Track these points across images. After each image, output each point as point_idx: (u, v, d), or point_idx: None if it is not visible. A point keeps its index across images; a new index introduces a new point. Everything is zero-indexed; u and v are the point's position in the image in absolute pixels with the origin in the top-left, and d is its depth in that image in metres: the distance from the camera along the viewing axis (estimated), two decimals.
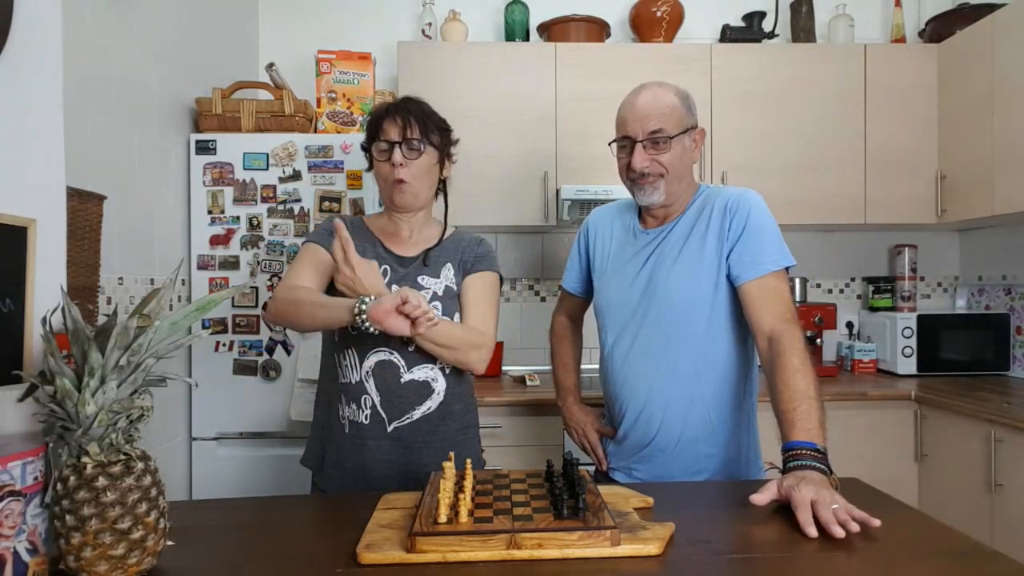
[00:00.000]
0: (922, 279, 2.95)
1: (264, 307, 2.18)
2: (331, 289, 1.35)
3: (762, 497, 0.96)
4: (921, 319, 2.63)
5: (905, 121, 2.58)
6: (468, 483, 0.95)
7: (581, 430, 1.54)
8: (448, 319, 1.35)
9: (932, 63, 2.58)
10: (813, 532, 0.88)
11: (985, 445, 2.00)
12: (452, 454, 1.08)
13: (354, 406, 1.33)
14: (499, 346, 2.66)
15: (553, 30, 2.64)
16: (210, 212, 2.19)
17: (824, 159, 2.56)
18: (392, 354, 1.33)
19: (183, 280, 2.18)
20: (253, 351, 2.19)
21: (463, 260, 1.42)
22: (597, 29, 2.66)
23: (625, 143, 1.34)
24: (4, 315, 0.83)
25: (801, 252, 2.84)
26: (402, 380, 1.33)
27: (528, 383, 2.44)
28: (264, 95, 2.37)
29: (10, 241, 0.85)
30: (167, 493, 0.82)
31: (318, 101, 2.35)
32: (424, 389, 1.34)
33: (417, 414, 1.34)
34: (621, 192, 1.43)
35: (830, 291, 2.98)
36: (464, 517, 0.86)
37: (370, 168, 1.42)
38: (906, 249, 2.83)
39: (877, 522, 0.88)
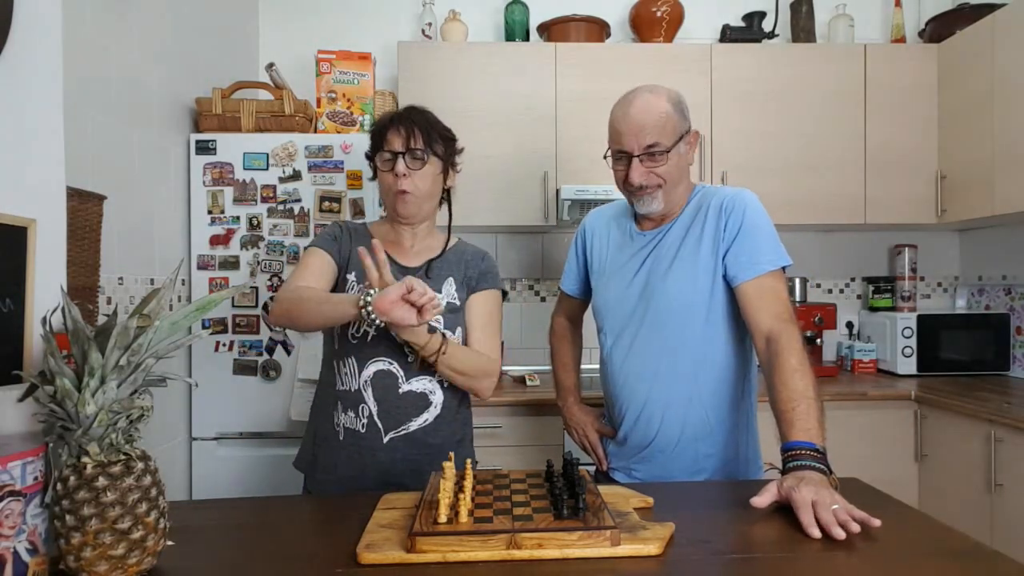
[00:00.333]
0: (922, 279, 2.95)
1: (265, 307, 2.19)
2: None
3: (762, 500, 0.96)
4: (921, 319, 2.63)
5: (905, 121, 2.58)
6: (468, 483, 0.95)
7: (581, 430, 1.54)
8: (453, 334, 1.35)
9: (932, 63, 2.58)
10: (816, 533, 0.88)
11: (985, 445, 2.00)
12: (452, 454, 1.08)
13: (351, 414, 1.33)
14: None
15: (553, 30, 2.64)
16: (210, 212, 2.19)
17: (824, 159, 2.56)
18: (391, 364, 1.32)
19: (183, 280, 2.18)
20: (253, 351, 2.19)
21: (467, 276, 1.41)
22: (597, 29, 2.66)
23: (621, 156, 1.33)
24: (4, 315, 0.83)
25: (801, 252, 2.85)
26: (400, 391, 1.32)
27: (528, 383, 2.44)
28: (264, 95, 2.37)
29: (10, 241, 0.85)
30: (167, 493, 0.82)
31: (318, 101, 2.35)
32: (422, 401, 1.34)
33: (414, 425, 1.33)
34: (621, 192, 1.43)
35: (830, 291, 2.98)
36: (464, 517, 0.86)
37: (374, 177, 1.41)
38: (906, 249, 2.83)
39: (877, 522, 0.88)
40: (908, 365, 2.63)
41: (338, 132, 2.31)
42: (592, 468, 1.43)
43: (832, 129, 2.56)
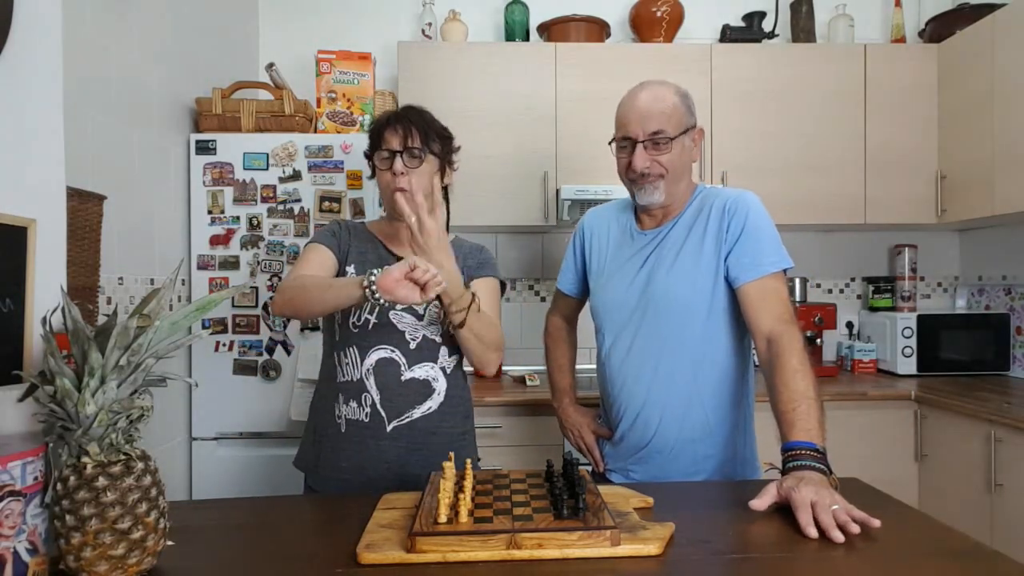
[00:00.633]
0: (922, 279, 2.95)
1: (265, 307, 2.19)
2: None
3: (761, 502, 0.96)
4: (921, 319, 2.63)
5: (905, 121, 2.58)
6: (468, 483, 0.95)
7: (577, 431, 1.53)
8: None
9: (932, 63, 2.58)
10: (814, 533, 0.88)
11: (985, 445, 2.00)
12: (452, 454, 1.09)
13: (353, 404, 1.33)
14: None
15: (553, 30, 2.64)
16: (210, 212, 2.19)
17: (824, 159, 2.56)
18: (394, 352, 1.33)
19: (183, 280, 2.18)
20: (253, 351, 2.19)
21: (466, 265, 1.42)
22: (597, 29, 2.66)
23: (625, 143, 1.34)
24: (4, 315, 0.83)
25: (801, 252, 2.85)
26: (403, 378, 1.33)
27: (528, 383, 2.44)
28: (264, 95, 2.37)
29: (10, 241, 0.85)
30: (167, 493, 0.82)
31: (318, 101, 2.35)
32: (425, 388, 1.35)
33: (417, 413, 1.34)
34: (621, 192, 1.43)
35: (830, 291, 2.98)
36: (464, 517, 0.86)
37: (372, 176, 1.42)
38: (906, 249, 2.83)
39: (877, 522, 0.88)
40: (908, 365, 2.63)
41: (338, 132, 2.31)
42: (589, 469, 1.43)
43: (832, 129, 2.56)
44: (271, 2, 2.85)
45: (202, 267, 2.19)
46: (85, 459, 0.75)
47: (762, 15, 2.73)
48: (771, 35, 2.71)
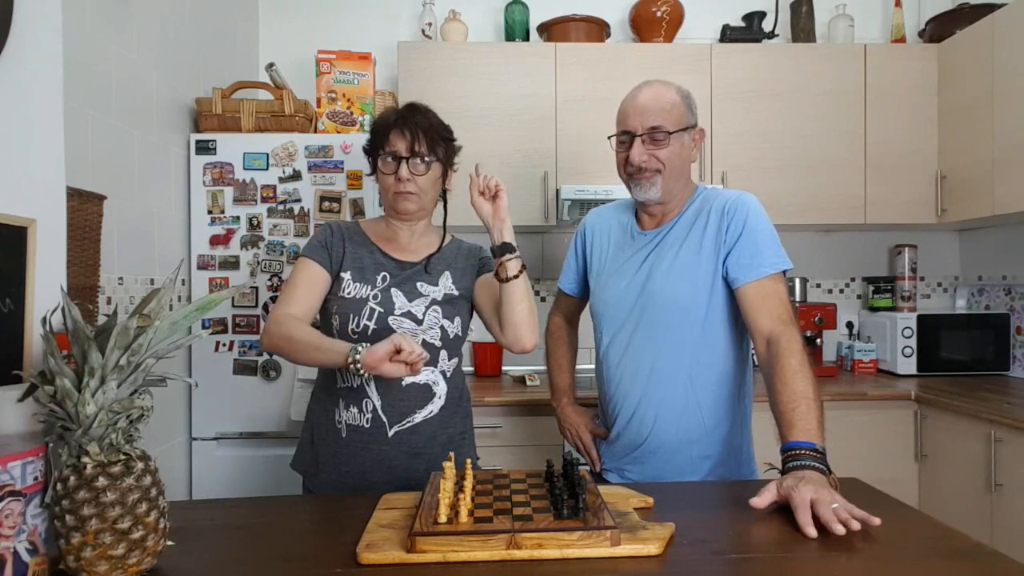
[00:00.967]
0: (922, 279, 2.95)
1: (265, 308, 2.19)
2: (328, 300, 1.37)
3: (762, 500, 0.96)
4: (921, 319, 2.63)
5: (905, 121, 2.58)
6: (468, 483, 0.95)
7: (575, 431, 1.54)
8: (452, 323, 1.36)
9: (932, 63, 2.58)
10: (813, 533, 0.88)
11: (985, 445, 2.00)
12: (452, 454, 1.09)
13: (354, 410, 1.33)
14: (499, 346, 2.66)
15: (553, 30, 2.64)
16: (210, 212, 2.19)
17: (824, 159, 2.56)
18: None
19: (183, 280, 2.18)
20: (253, 351, 2.19)
21: (468, 264, 1.42)
22: (597, 29, 2.66)
23: (624, 138, 1.34)
24: (4, 315, 0.83)
25: (801, 252, 2.85)
26: (404, 383, 1.33)
27: (528, 383, 2.44)
28: (264, 95, 2.37)
29: (10, 241, 0.85)
30: (167, 493, 0.82)
31: (318, 101, 2.35)
32: (426, 392, 1.35)
33: (418, 417, 1.34)
34: (621, 192, 1.43)
35: (830, 291, 2.98)
36: (464, 517, 0.86)
37: (372, 173, 1.41)
38: (906, 249, 2.83)
39: (877, 520, 0.88)
40: (908, 365, 2.63)
41: (338, 132, 2.31)
42: (587, 469, 1.43)
43: (832, 129, 2.56)
44: (271, 2, 2.85)
45: (202, 267, 2.18)
46: (85, 459, 0.75)
47: (762, 15, 2.74)
48: (771, 35, 2.72)
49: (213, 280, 2.19)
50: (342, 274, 1.36)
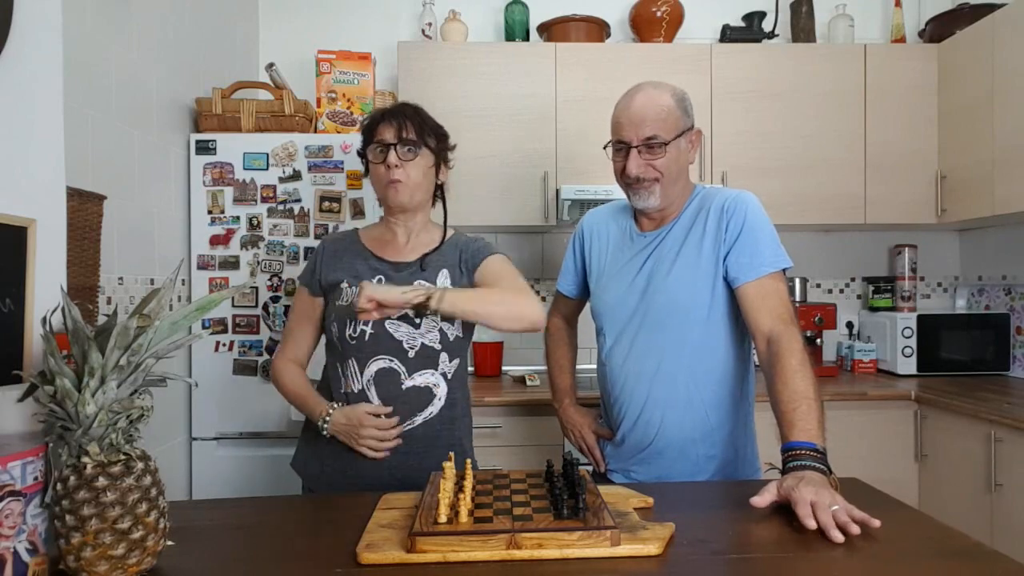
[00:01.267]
0: (922, 279, 2.95)
1: (265, 308, 2.19)
2: (326, 309, 1.41)
3: (762, 499, 0.96)
4: (921, 319, 2.63)
5: (905, 121, 2.58)
6: (468, 483, 0.95)
7: (578, 432, 1.53)
8: (453, 325, 1.35)
9: (932, 63, 2.58)
10: (812, 524, 0.88)
11: (985, 445, 2.00)
12: (452, 454, 1.08)
13: None
14: (499, 346, 2.66)
15: (553, 30, 2.64)
16: (210, 212, 2.19)
17: (824, 159, 2.56)
18: (392, 361, 1.33)
19: (183, 280, 2.18)
20: (253, 351, 2.19)
21: (462, 259, 1.41)
22: (597, 29, 2.66)
23: (620, 147, 1.33)
24: (4, 315, 0.83)
25: (801, 252, 2.85)
26: (403, 387, 1.33)
27: (528, 383, 2.44)
28: (264, 95, 2.37)
29: (10, 241, 0.85)
30: (167, 493, 0.82)
31: (318, 101, 2.35)
32: (426, 395, 1.34)
33: (419, 420, 1.34)
34: (621, 192, 1.43)
35: (830, 291, 2.98)
36: (464, 517, 0.86)
37: (366, 173, 1.42)
38: (906, 249, 2.83)
39: (877, 523, 0.88)
40: (908, 365, 2.63)
41: (338, 132, 2.31)
42: (590, 469, 1.43)
43: (832, 129, 2.56)
44: (271, 2, 2.85)
45: (202, 267, 2.18)
46: (85, 459, 0.75)
47: (762, 15, 2.73)
48: (771, 35, 2.71)
49: (213, 280, 2.19)
50: (340, 284, 1.37)
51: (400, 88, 2.48)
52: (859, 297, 2.98)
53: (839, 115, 2.56)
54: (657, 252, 1.36)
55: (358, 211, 2.21)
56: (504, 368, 2.74)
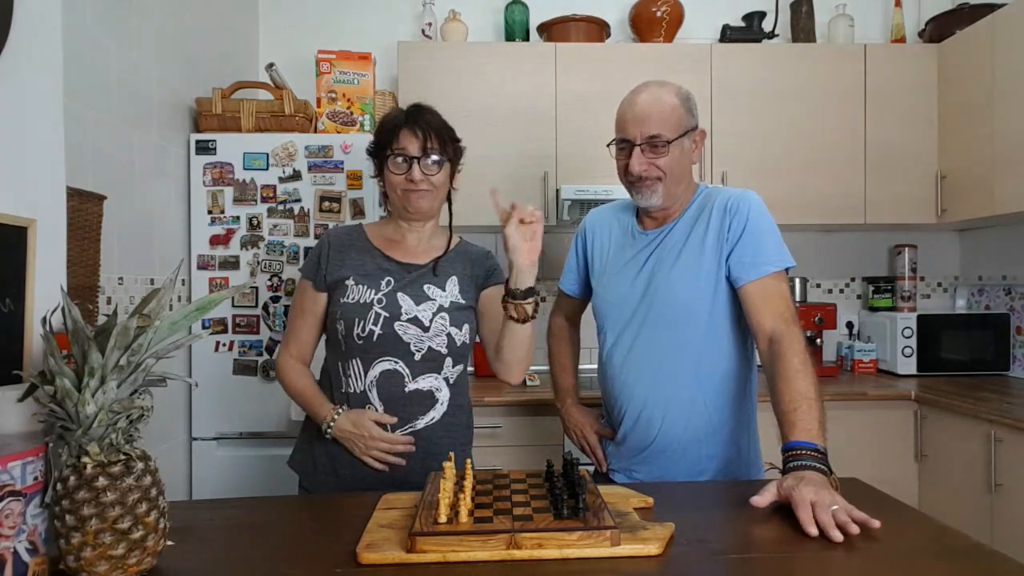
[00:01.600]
0: (922, 279, 2.95)
1: (265, 308, 2.19)
2: (331, 306, 1.39)
3: (762, 499, 0.96)
4: (921, 319, 2.63)
5: (905, 121, 2.58)
6: (468, 483, 0.95)
7: (580, 432, 1.53)
8: (460, 331, 1.36)
9: (932, 63, 2.58)
10: (814, 531, 0.88)
11: (985, 445, 2.00)
12: (452, 454, 1.08)
13: None
14: None
15: (553, 30, 2.64)
16: (210, 212, 2.19)
17: (824, 159, 2.56)
18: (397, 363, 1.32)
19: (183, 280, 2.18)
20: (253, 351, 2.19)
21: (474, 274, 1.42)
22: (597, 29, 2.66)
23: (624, 145, 1.33)
24: (4, 315, 0.83)
25: (801, 252, 2.84)
26: (406, 389, 1.32)
27: (528, 383, 2.44)
28: (264, 95, 2.36)
29: (10, 241, 0.85)
30: (167, 493, 0.82)
31: (318, 101, 2.35)
32: (428, 399, 1.34)
33: (420, 423, 1.33)
34: (621, 192, 1.43)
35: (830, 291, 2.98)
36: (464, 517, 0.86)
37: (376, 175, 1.40)
38: (906, 249, 2.83)
39: (877, 523, 0.88)
40: (908, 365, 2.63)
41: (338, 132, 2.31)
42: (591, 469, 1.43)
43: (832, 129, 2.56)
44: (271, 2, 2.85)
45: (202, 267, 2.19)
46: (85, 459, 0.75)
47: (762, 15, 2.74)
48: (771, 35, 2.72)
49: (213, 280, 2.19)
50: (346, 281, 1.35)
51: (400, 88, 2.48)
52: (859, 297, 2.98)
53: (839, 115, 2.56)
54: (659, 251, 1.36)
55: (358, 211, 2.21)
56: None
